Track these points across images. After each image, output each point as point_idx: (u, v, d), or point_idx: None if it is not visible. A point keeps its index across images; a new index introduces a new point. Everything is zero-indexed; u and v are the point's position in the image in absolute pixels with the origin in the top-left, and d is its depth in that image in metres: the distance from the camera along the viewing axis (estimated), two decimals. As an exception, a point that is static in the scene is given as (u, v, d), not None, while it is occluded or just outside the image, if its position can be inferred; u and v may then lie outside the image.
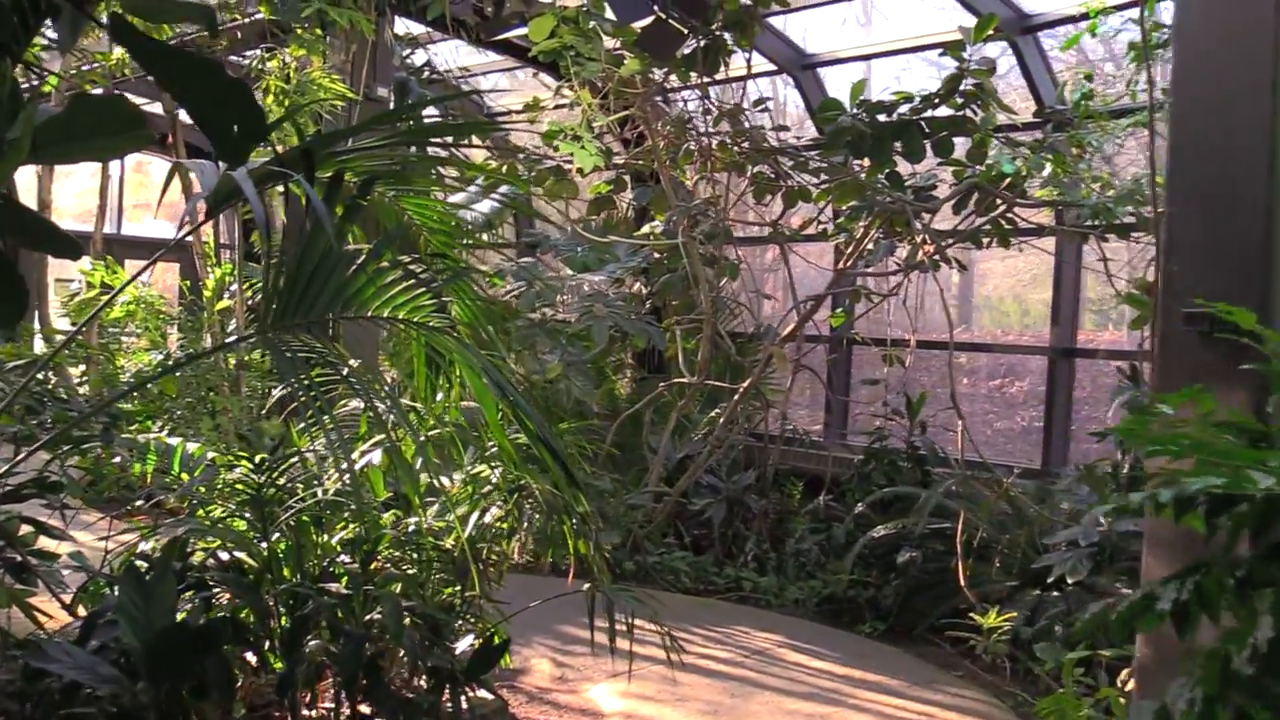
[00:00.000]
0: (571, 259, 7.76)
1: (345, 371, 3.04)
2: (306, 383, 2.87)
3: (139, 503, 4.76)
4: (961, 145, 6.08)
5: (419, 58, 8.98)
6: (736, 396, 6.51)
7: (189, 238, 8.37)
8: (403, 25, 8.10)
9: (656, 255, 7.97)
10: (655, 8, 5.07)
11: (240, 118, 1.97)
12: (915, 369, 7.67)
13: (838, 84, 8.65)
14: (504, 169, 7.14)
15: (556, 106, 6.55)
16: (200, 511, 3.39)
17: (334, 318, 2.83)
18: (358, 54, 6.77)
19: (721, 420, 6.61)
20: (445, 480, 3.59)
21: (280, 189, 3.07)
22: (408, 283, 2.99)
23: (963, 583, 5.15)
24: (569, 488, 3.11)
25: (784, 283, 9.19)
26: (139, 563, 3.08)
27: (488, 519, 3.37)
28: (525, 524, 3.34)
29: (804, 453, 7.72)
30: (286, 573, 3.25)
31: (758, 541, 6.44)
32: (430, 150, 6.54)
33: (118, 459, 4.25)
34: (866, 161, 6.30)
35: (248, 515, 3.31)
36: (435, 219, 3.30)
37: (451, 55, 8.86)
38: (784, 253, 7.28)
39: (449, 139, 6.58)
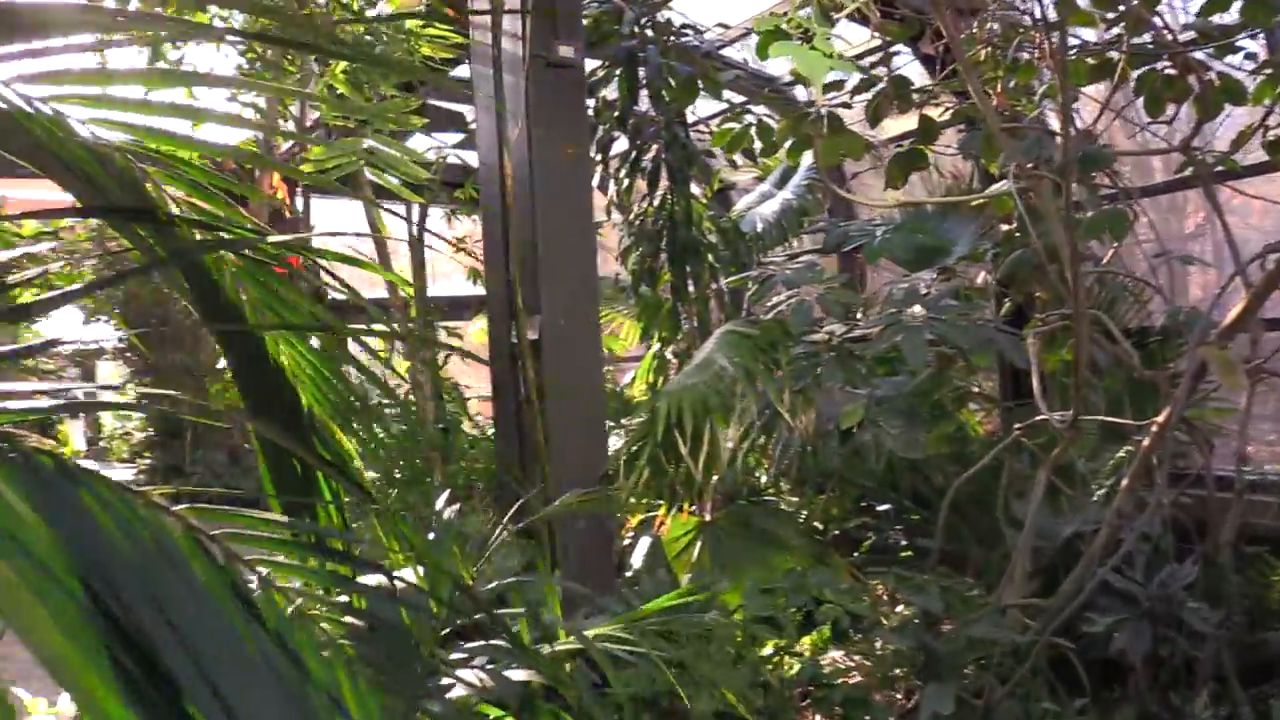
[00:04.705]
0: (870, 247, 5.35)
1: None
2: None
3: None
4: None
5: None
6: (1148, 439, 3.81)
7: None
8: None
9: (1004, 228, 5.41)
10: None
11: None
12: None
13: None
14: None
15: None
16: None
17: None
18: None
19: (1125, 481, 3.92)
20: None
21: None
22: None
23: None
24: None
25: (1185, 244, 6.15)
26: None
27: None
28: None
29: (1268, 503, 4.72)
30: None
31: (1225, 695, 3.66)
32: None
33: None
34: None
35: None
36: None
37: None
38: (1209, 193, 4.48)
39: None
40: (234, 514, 0.99)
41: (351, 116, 3.64)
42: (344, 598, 1.07)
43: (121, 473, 13.23)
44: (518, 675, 1.31)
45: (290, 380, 1.33)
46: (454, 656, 1.34)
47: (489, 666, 1.31)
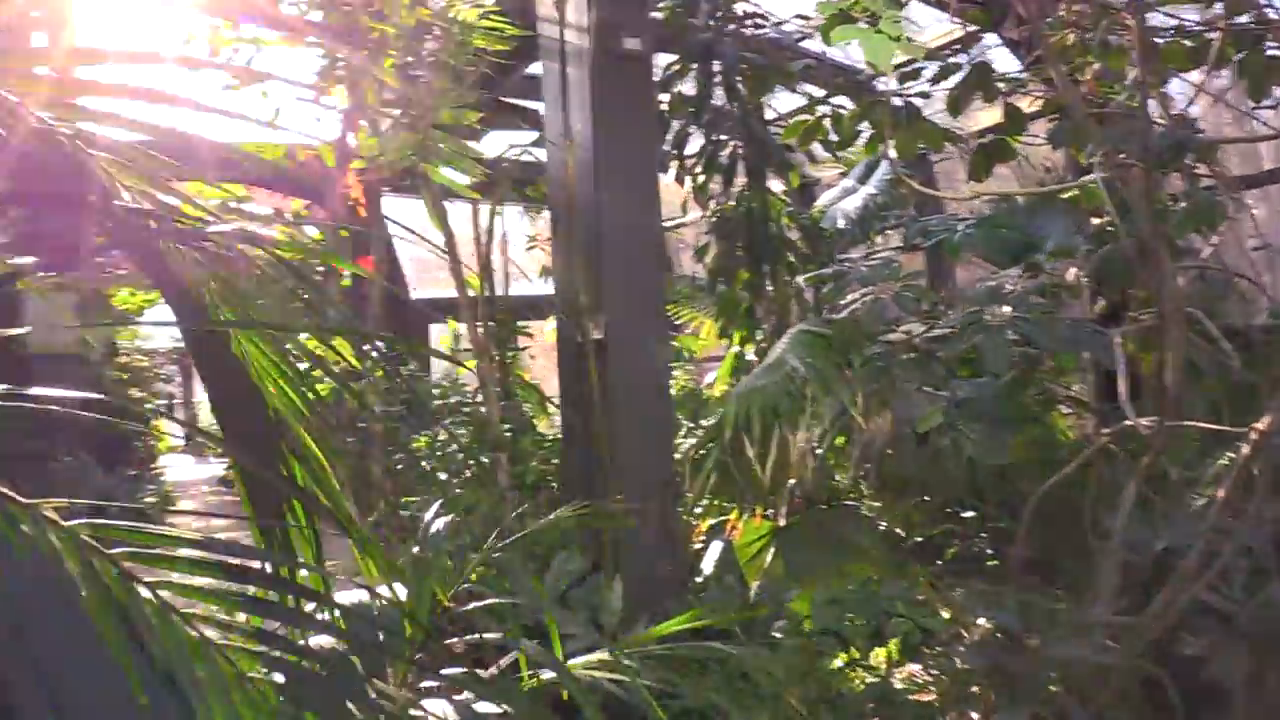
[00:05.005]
0: (951, 243, 5.10)
1: None
2: None
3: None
4: None
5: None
6: (1248, 447, 3.53)
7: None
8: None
9: (1095, 221, 5.13)
10: None
11: None
12: None
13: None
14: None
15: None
16: None
17: None
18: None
19: (1222, 491, 3.65)
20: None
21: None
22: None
23: None
24: None
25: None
26: None
27: None
28: None
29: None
30: None
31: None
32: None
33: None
34: None
35: None
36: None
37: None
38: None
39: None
40: (140, 531, 0.90)
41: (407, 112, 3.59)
42: (284, 626, 0.98)
43: (214, 467, 13.57)
44: (484, 708, 1.20)
45: (257, 381, 1.24)
46: (424, 685, 1.24)
47: (458, 699, 1.21)
